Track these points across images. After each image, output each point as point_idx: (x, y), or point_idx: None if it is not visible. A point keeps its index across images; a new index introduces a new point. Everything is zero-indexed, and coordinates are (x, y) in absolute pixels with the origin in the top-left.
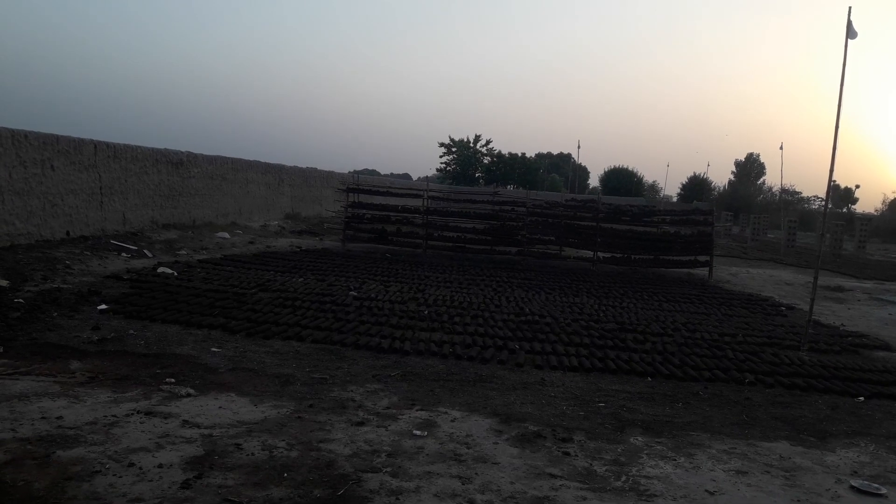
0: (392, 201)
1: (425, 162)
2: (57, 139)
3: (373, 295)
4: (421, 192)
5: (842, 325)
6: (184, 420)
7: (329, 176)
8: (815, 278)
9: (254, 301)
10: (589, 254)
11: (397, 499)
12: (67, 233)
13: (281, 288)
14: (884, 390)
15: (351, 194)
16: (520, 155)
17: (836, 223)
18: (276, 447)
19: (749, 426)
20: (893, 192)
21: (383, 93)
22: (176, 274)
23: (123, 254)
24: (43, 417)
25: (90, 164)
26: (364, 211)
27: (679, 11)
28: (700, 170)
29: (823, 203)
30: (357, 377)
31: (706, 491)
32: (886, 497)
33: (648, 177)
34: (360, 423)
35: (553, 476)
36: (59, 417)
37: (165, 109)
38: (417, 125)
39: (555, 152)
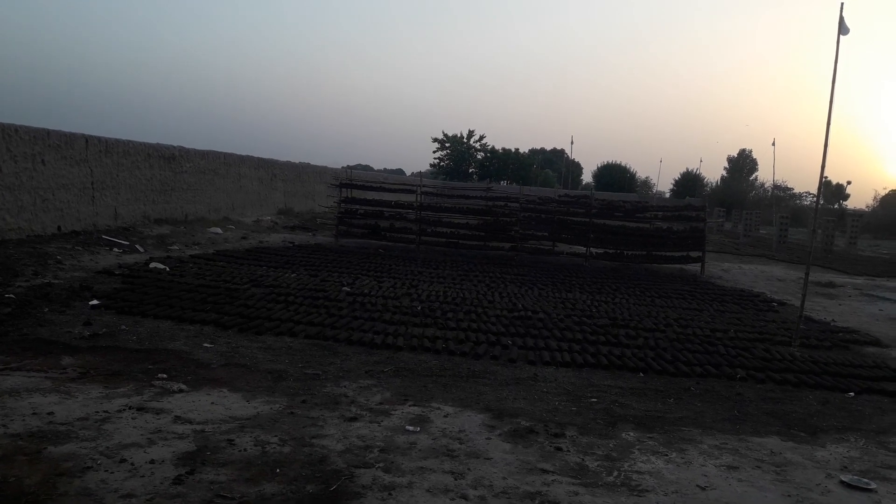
0: (385, 197)
1: (419, 157)
2: (48, 133)
3: (366, 290)
4: (414, 188)
5: (833, 320)
6: (176, 416)
7: (322, 171)
8: (807, 274)
9: (246, 296)
10: (582, 249)
11: (390, 494)
12: (59, 228)
13: (274, 283)
14: (874, 386)
15: (344, 190)
16: (513, 150)
17: (828, 219)
18: (269, 443)
19: (740, 422)
20: (885, 189)
21: (377, 88)
22: (168, 269)
23: (115, 249)
24: (34, 413)
25: (81, 159)
26: (357, 206)
27: (672, 7)
28: (693, 166)
29: (815, 199)
30: (350, 373)
31: (697, 486)
32: (876, 492)
33: (641, 173)
34: (353, 419)
35: (545, 471)
36: (51, 413)
37: (157, 104)
38: (411, 121)
39: (548, 148)
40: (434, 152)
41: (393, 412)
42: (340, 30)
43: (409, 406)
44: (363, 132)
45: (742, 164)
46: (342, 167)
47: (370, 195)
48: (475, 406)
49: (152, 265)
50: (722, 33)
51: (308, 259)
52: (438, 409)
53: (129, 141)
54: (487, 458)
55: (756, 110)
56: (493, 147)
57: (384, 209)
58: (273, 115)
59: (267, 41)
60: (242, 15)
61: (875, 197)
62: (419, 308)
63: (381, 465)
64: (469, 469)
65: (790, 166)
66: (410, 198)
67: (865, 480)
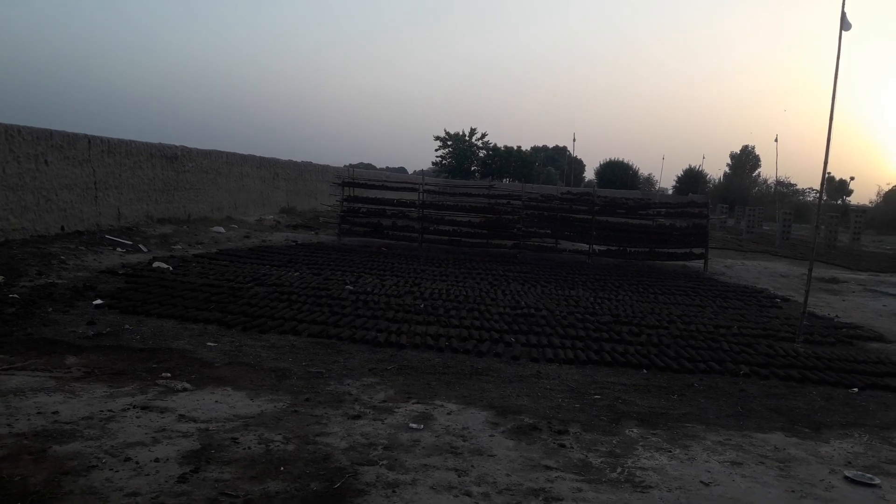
0: (388, 195)
1: (421, 156)
2: (50, 134)
3: (369, 289)
4: (416, 186)
5: (836, 316)
6: (180, 414)
7: (324, 170)
8: (810, 270)
9: (250, 295)
10: (584, 247)
11: (394, 491)
12: (62, 228)
13: (277, 282)
14: (878, 381)
15: (346, 188)
16: (515, 148)
17: (831, 215)
18: (273, 441)
19: (744, 418)
20: (888, 184)
21: (378, 86)
22: (171, 268)
23: (118, 249)
24: (39, 412)
25: (84, 159)
26: (360, 205)
27: (675, 4)
28: (695, 162)
29: (818, 195)
30: (353, 371)
31: (701, 482)
32: (880, 487)
33: (644, 169)
34: (357, 417)
35: (549, 468)
36: (55, 412)
37: (160, 104)
38: (413, 119)
39: (550, 145)
40: (436, 150)
41: (396, 410)
42: (342, 29)
43: (413, 404)
44: (365, 131)
45: (745, 160)
46: (344, 166)
47: (372, 194)
48: (478, 403)
49: (155, 265)
50: (724, 30)
51: (311, 258)
52: (442, 406)
53: (132, 141)
54: (491, 455)
55: (758, 107)
56: (495, 145)
57: (386, 208)
58: (275, 114)
59: (269, 41)
60: (244, 15)
61: (878, 193)
62: (422, 306)
63: (384, 462)
64: (472, 466)
65: (793, 162)
66: (413, 196)
67: (869, 476)
